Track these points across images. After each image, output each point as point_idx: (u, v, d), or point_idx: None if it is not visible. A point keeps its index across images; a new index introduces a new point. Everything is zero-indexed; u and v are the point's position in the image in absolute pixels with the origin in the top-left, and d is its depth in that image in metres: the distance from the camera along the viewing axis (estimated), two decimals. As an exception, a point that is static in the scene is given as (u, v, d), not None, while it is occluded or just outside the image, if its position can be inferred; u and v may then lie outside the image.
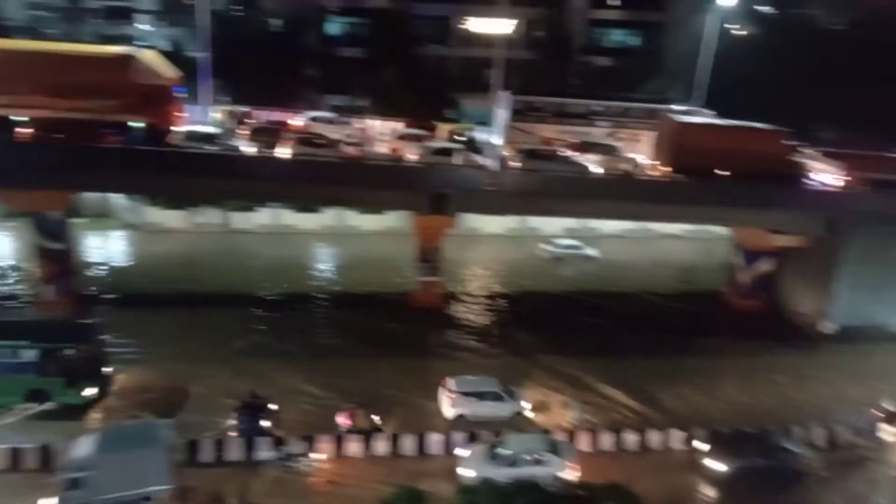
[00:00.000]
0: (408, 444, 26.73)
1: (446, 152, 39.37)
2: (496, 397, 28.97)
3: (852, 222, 37.94)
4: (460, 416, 28.64)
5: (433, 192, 37.28)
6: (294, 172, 37.24)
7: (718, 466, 26.45)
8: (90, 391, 27.90)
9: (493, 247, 51.42)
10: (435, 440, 26.86)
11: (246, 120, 44.80)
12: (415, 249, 39.72)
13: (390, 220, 50.70)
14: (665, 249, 52.60)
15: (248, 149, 37.92)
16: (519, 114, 45.51)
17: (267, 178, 36.71)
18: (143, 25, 77.07)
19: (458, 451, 25.98)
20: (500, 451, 25.12)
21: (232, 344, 33.63)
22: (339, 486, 24.56)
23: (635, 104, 47.17)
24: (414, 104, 54.75)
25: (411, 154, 39.57)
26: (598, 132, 45.33)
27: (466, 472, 24.75)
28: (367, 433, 26.81)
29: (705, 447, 27.26)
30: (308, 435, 26.15)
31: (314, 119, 45.66)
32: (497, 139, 46.13)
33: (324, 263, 46.92)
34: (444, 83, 65.89)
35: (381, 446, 26.50)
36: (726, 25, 64.71)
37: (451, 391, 28.86)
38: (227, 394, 28.41)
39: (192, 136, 37.56)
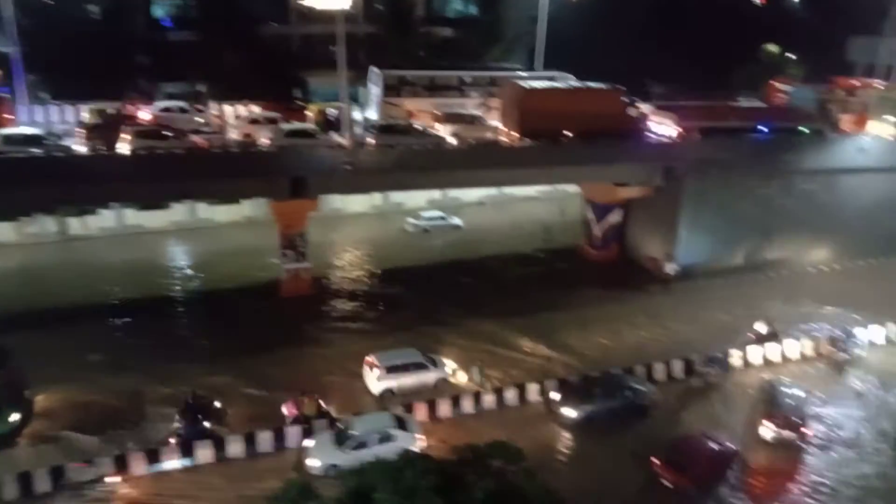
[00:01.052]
0: (235, 447, 25.27)
1: (302, 134, 38.24)
2: (420, 367, 29.54)
3: (686, 169, 41.16)
4: (388, 391, 28.98)
5: (290, 175, 36.13)
6: (135, 169, 34.66)
7: (572, 413, 28.10)
8: (15, 417, 26.07)
9: (359, 226, 50.87)
10: (265, 438, 25.69)
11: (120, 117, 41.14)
12: (277, 237, 38.44)
13: (247, 209, 48.65)
14: (524, 212, 54.49)
15: (82, 148, 34.80)
16: (391, 89, 45.26)
17: (105, 178, 33.87)
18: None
19: (304, 442, 25.46)
20: (346, 434, 24.94)
21: (88, 358, 31.14)
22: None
23: (502, 73, 48.13)
24: (257, 86, 52.57)
25: (264, 138, 38.06)
26: (470, 103, 45.92)
27: (313, 462, 24.40)
28: (316, 419, 26.29)
29: (558, 396, 28.86)
30: (121, 454, 24.38)
31: (166, 110, 42.38)
32: (370, 115, 45.66)
33: (180, 262, 44.23)
34: (288, 62, 63.81)
35: (205, 454, 24.93)
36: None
37: (376, 366, 28.98)
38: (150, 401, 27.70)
39: (11, 140, 33.87)
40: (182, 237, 47.21)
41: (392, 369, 29.14)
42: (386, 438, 24.74)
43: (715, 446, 25.89)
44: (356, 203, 51.40)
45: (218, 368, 30.64)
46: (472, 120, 42.79)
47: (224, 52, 58.37)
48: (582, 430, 27.79)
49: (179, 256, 45.04)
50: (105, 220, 46.35)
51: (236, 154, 37.31)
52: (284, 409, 27.15)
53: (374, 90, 46.05)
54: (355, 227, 50.51)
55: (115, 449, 24.87)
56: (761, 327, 34.59)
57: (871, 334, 35.37)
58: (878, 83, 52.33)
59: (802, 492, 24.98)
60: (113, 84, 49.58)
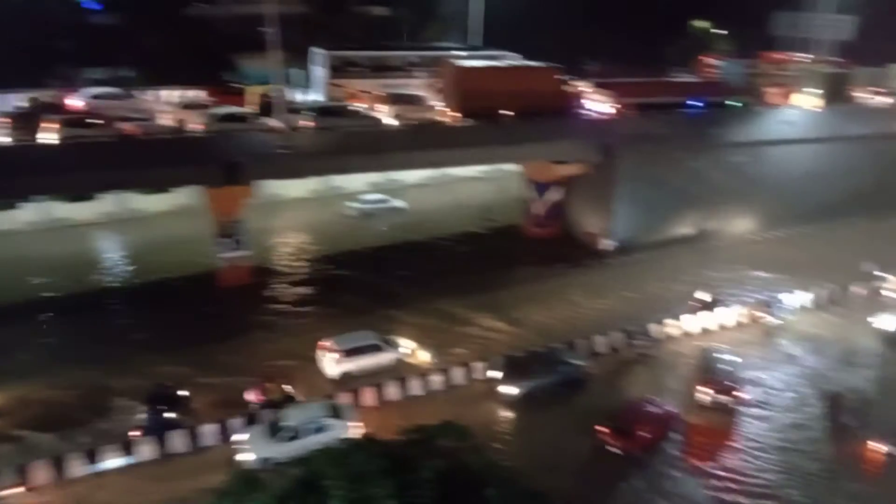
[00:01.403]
0: (145, 450, 24.23)
1: (236, 118, 37.16)
2: (377, 349, 29.68)
3: (620, 145, 41.90)
4: (346, 374, 28.99)
5: (223, 161, 35.09)
6: (60, 160, 33.04)
7: (511, 390, 28.43)
8: None
9: (299, 211, 50.02)
10: (210, 431, 25.11)
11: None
12: (213, 225, 37.39)
13: (182, 197, 47.14)
14: (466, 192, 54.63)
15: (5, 139, 32.99)
16: (337, 70, 44.49)
17: (28, 169, 32.13)
18: None
19: (235, 437, 24.87)
20: (279, 426, 24.52)
21: (20, 356, 29.76)
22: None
23: (448, 53, 47.69)
24: (187, 69, 50.86)
25: (196, 124, 36.79)
26: (416, 83, 45.43)
27: (246, 457, 23.85)
28: (281, 404, 25.96)
29: (498, 374, 29.13)
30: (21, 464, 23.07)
31: (97, 97, 40.22)
32: (314, 97, 44.81)
33: (113, 254, 42.63)
34: (218, 44, 61.86)
35: (112, 462, 23.88)
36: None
37: (333, 350, 29.01)
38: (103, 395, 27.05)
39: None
40: (114, 228, 45.45)
41: (350, 352, 29.18)
42: (320, 429, 24.39)
43: (657, 410, 26.95)
44: (295, 188, 50.45)
45: (166, 359, 29.71)
46: (415, 101, 42.43)
47: (151, 36, 56.20)
48: (526, 405, 28.17)
49: (112, 248, 43.39)
50: (31, 213, 44.26)
51: (167, 141, 35.88)
52: (250, 396, 26.76)
53: (318, 71, 45.18)
54: (295, 213, 49.64)
55: (73, 446, 24.09)
56: (703, 296, 35.71)
57: (800, 299, 37.01)
58: (802, 57, 54.32)
59: (737, 451, 26.06)
60: (36, 71, 47.25)
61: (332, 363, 29.10)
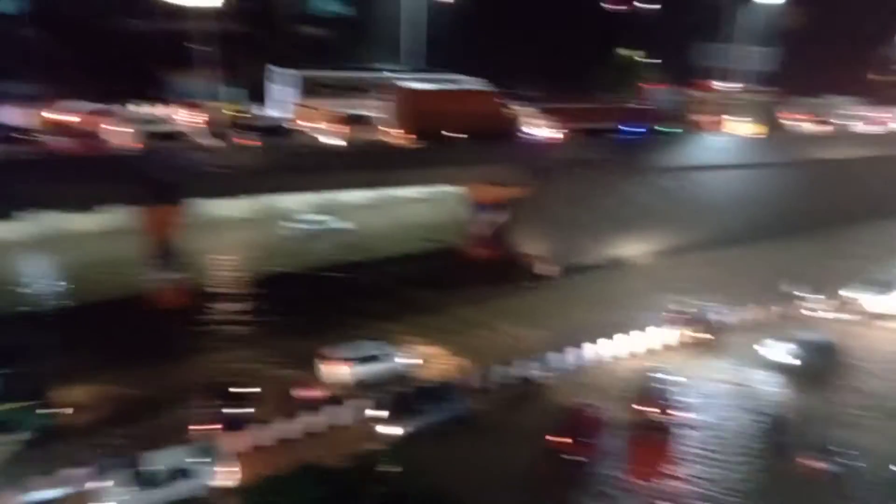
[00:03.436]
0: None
1: (168, 136, 36.13)
2: (385, 358, 30.64)
3: (557, 168, 42.69)
4: (350, 381, 29.53)
5: (154, 179, 33.86)
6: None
7: (394, 430, 26.63)
8: (65, 410, 26.16)
9: (237, 231, 49.02)
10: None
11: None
12: (146, 245, 36.10)
13: (112, 217, 45.26)
14: (410, 213, 54.60)
15: None
16: (307, 91, 44.59)
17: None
18: None
19: (90, 484, 22.54)
20: (142, 473, 22.63)
21: None
22: None
23: (406, 75, 47.93)
24: (117, 83, 49.47)
25: (124, 139, 35.49)
26: (373, 104, 45.37)
27: None
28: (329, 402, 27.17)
29: (379, 414, 27.31)
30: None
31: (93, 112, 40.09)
32: (277, 116, 44.60)
33: (38, 276, 40.65)
34: (147, 60, 60.40)
35: None
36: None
37: (344, 359, 29.92)
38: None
39: None
40: (37, 249, 43.38)
41: (361, 360, 30.06)
42: (184, 474, 22.83)
43: (596, 415, 27.68)
44: (234, 207, 49.31)
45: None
46: (366, 121, 42.44)
47: (67, 49, 54.50)
48: (403, 445, 25.61)
49: (37, 270, 41.37)
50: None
51: (95, 158, 34.42)
52: (299, 393, 28.00)
53: (282, 90, 45.51)
54: (234, 233, 48.58)
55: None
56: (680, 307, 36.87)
57: (729, 317, 38.31)
58: (734, 86, 56.92)
59: (674, 465, 26.55)
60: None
61: (343, 371, 29.85)
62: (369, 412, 27.66)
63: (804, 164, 52.02)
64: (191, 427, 25.95)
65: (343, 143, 40.07)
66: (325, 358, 30.22)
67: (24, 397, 25.42)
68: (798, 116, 56.80)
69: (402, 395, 28.25)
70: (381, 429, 26.85)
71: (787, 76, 59.43)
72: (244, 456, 24.77)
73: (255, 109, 47.97)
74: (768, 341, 35.44)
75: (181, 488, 21.85)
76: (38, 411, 25.71)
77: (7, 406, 24.90)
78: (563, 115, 45.37)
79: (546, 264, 43.39)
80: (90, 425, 26.82)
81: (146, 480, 22.38)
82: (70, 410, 26.93)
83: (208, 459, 23.52)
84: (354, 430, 27.21)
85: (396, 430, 26.73)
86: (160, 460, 23.08)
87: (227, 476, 23.18)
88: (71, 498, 22.13)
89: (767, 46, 70.73)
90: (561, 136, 44.09)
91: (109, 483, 22.52)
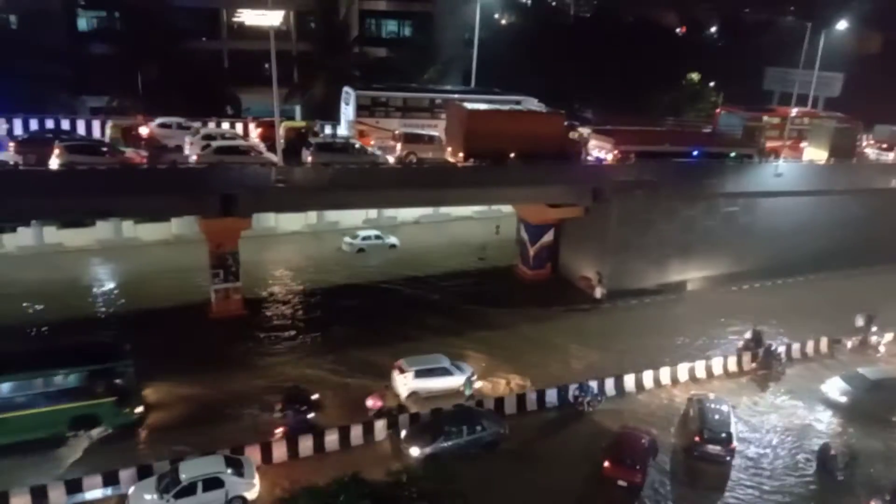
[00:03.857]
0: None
1: (232, 150, 37.45)
2: (446, 372, 30.99)
3: (613, 191, 42.24)
4: (413, 393, 30.31)
5: (220, 193, 35.17)
6: (58, 185, 33.11)
7: (418, 451, 26.40)
8: (140, 409, 27.70)
9: (293, 245, 49.95)
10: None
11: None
12: (210, 256, 37.26)
13: (175, 227, 47.14)
14: (459, 231, 54.76)
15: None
16: (364, 108, 45.49)
17: (22, 193, 32.11)
18: None
19: (130, 490, 23.17)
20: (170, 480, 22.89)
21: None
22: None
23: (468, 94, 48.42)
24: (187, 101, 51.49)
25: (196, 153, 37.04)
26: (436, 123, 46.14)
27: None
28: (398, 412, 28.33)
29: (406, 434, 27.37)
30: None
31: (162, 125, 42.87)
32: (346, 134, 45.87)
33: (105, 282, 42.39)
34: (219, 78, 62.84)
35: None
36: (495, 16, 68.97)
37: (404, 370, 30.51)
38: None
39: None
40: (106, 256, 45.21)
41: (419, 373, 30.50)
42: (214, 484, 22.90)
43: (645, 439, 27.17)
44: (291, 222, 50.50)
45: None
46: (429, 140, 42.99)
47: (148, 67, 57.07)
48: (427, 467, 24.56)
49: (103, 276, 43.13)
50: (21, 237, 44.08)
51: (165, 170, 36.09)
52: (369, 402, 28.69)
53: (347, 109, 46.63)
54: (290, 246, 49.59)
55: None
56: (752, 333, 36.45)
57: (791, 350, 37.07)
58: (809, 111, 55.34)
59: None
60: (26, 96, 47.84)
61: (401, 383, 30.47)
62: (404, 431, 27.74)
63: (879, 193, 50.01)
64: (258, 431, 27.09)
65: (403, 161, 40.63)
66: (399, 369, 30.95)
67: (105, 394, 26.64)
68: (878, 143, 54.74)
69: (430, 417, 28.38)
70: (412, 449, 26.58)
71: (864, 102, 57.56)
72: (281, 466, 25.48)
73: (328, 128, 49.38)
74: (832, 377, 34.17)
75: (209, 499, 22.28)
76: (119, 409, 26.89)
77: (91, 401, 26.24)
78: (630, 138, 44.91)
79: (601, 287, 42.86)
80: (164, 425, 28.11)
81: (174, 488, 22.56)
82: (144, 409, 28.25)
83: (239, 470, 23.76)
84: (386, 446, 27.61)
85: (417, 452, 26.41)
86: (191, 468, 23.29)
87: (253, 489, 23.64)
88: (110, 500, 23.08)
89: (845, 72, 69.13)
90: (624, 158, 43.45)
91: (133, 490, 23.10)
